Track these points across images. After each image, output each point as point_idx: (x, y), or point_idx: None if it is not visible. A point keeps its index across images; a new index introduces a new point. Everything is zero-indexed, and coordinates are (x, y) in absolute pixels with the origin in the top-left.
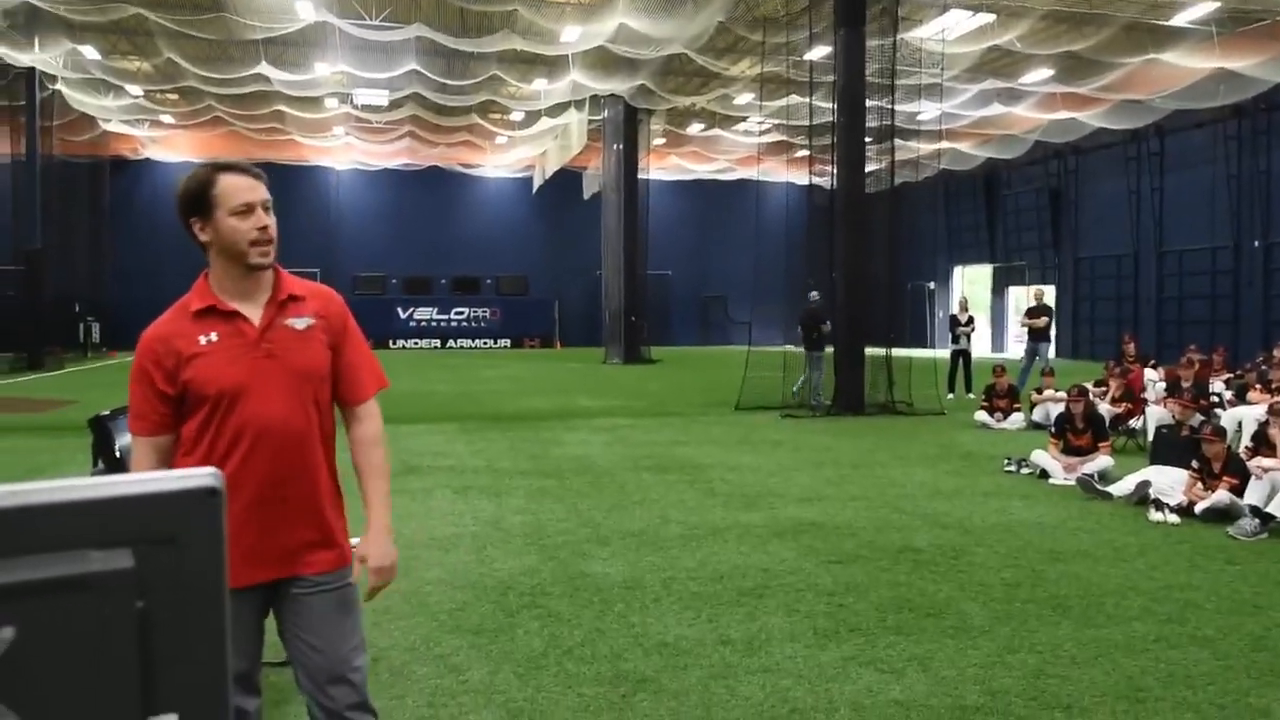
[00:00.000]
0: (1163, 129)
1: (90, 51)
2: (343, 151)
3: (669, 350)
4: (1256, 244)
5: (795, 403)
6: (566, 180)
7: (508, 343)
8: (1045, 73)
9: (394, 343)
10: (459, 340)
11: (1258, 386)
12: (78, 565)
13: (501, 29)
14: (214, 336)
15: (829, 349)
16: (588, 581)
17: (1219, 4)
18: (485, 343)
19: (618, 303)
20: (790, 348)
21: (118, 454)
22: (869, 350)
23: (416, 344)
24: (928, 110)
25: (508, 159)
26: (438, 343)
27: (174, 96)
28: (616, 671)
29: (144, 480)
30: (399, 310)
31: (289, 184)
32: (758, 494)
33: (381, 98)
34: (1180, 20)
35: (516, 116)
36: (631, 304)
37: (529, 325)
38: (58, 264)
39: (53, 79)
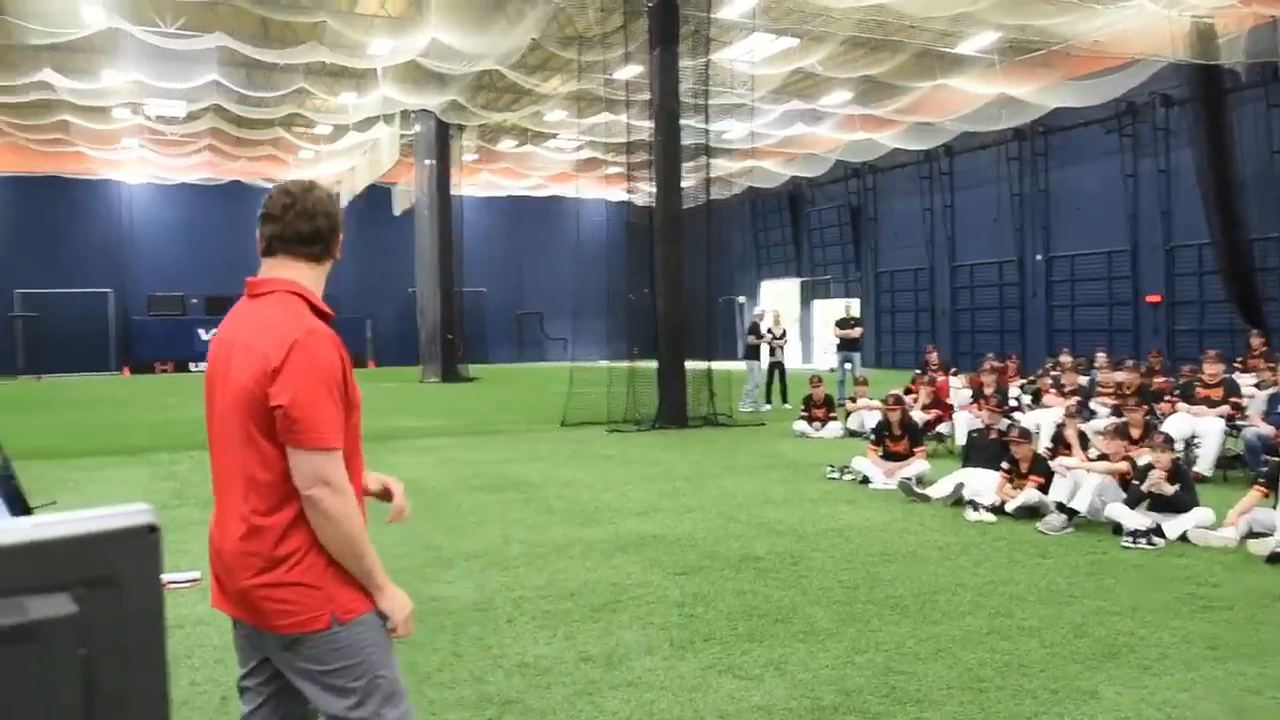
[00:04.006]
0: (952, 150)
1: None
2: (135, 165)
3: (485, 368)
4: (1039, 257)
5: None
6: (376, 196)
7: None
8: (845, 95)
9: (195, 365)
10: None
11: (1052, 390)
12: (17, 614)
13: (308, 40)
14: None
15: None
16: (437, 605)
17: (999, 34)
18: None
19: (433, 320)
20: (604, 362)
21: None
22: (690, 364)
23: None
24: (736, 129)
25: (314, 174)
26: None
27: None
28: (480, 695)
29: (80, 519)
30: (199, 331)
31: (75, 199)
32: (595, 509)
33: (178, 108)
34: (965, 49)
35: (324, 130)
36: (447, 321)
37: None
38: None
39: None
